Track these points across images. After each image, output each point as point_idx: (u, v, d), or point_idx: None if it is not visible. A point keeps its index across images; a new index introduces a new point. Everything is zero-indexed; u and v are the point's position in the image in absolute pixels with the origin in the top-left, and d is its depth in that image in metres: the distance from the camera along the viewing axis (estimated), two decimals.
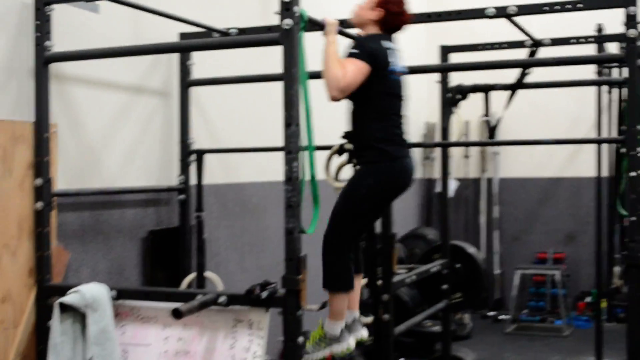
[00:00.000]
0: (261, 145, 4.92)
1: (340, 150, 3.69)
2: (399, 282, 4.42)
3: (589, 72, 5.97)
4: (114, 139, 4.03)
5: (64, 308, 3.12)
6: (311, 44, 3.27)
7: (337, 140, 3.67)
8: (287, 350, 2.98)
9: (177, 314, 2.90)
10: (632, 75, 3.74)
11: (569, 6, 3.69)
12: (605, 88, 6.88)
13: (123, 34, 4.05)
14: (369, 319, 4.08)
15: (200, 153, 4.49)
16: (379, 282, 4.21)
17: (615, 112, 7.18)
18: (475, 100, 5.58)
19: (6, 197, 3.28)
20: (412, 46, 6.92)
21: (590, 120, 7.23)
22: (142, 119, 4.26)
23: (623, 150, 4.04)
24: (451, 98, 5.20)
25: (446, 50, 5.33)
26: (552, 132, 7.39)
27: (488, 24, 4.20)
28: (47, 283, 3.38)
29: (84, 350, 3.13)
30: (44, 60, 3.39)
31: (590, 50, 5.62)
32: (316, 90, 3.35)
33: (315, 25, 3.37)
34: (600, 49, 5.59)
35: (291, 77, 2.95)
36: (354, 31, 3.74)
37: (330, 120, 4.55)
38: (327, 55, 3.37)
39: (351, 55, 3.40)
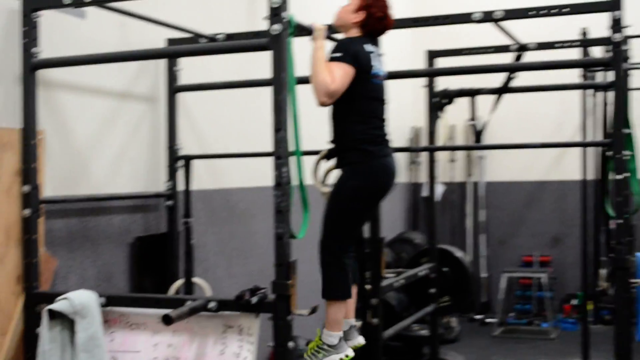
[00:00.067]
0: (249, 151, 4.92)
1: (328, 155, 3.69)
2: (387, 286, 4.43)
3: (573, 76, 6.02)
4: (102, 145, 4.02)
5: (53, 315, 3.10)
6: (299, 49, 3.28)
7: (325, 145, 3.67)
8: (278, 355, 2.97)
9: (167, 320, 2.89)
10: (619, 79, 3.78)
11: (555, 11, 3.70)
12: (590, 92, 6.93)
13: (110, 39, 4.04)
14: (358, 324, 4.08)
15: (188, 159, 4.47)
16: (368, 286, 4.22)
17: (600, 115, 7.23)
18: (461, 105, 5.61)
19: None
20: (398, 51, 6.95)
21: (575, 123, 7.29)
22: (130, 125, 4.24)
23: (609, 153, 4.07)
24: (437, 102, 5.22)
25: (432, 55, 5.36)
26: (538, 136, 7.42)
27: (474, 28, 4.22)
28: (35, 290, 3.35)
29: (72, 357, 3.11)
30: (32, 66, 3.37)
31: (574, 54, 5.66)
32: (303, 95, 3.35)
33: (303, 31, 3.37)
34: (585, 53, 5.63)
35: (280, 82, 2.94)
36: (341, 36, 3.75)
37: (317, 124, 4.54)
38: (315, 60, 3.37)
39: (336, 59, 3.39)
